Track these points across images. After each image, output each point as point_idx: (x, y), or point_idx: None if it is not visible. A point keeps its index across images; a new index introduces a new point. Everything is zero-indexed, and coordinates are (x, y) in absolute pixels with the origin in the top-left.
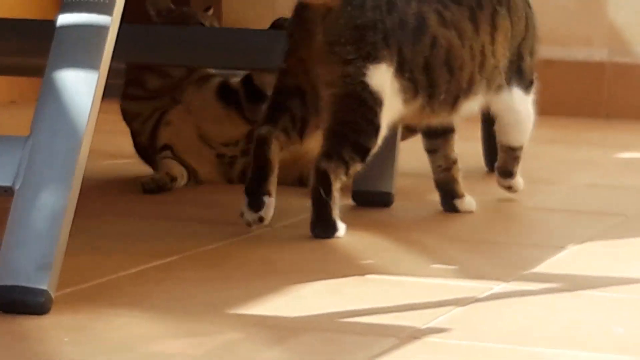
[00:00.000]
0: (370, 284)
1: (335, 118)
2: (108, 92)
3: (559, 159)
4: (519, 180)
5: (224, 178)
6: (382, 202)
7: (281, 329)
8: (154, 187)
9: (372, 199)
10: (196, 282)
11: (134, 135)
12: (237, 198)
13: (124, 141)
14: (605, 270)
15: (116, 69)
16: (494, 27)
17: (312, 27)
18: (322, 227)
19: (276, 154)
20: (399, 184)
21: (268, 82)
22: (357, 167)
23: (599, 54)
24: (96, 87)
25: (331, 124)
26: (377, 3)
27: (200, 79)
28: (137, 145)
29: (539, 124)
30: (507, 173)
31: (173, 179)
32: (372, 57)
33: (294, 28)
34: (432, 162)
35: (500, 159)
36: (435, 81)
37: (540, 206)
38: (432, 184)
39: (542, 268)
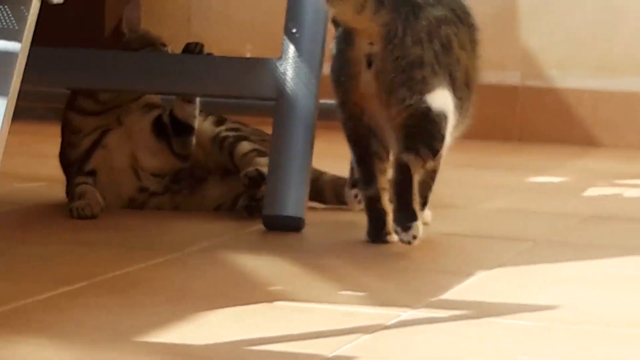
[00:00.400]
0: (278, 311)
1: (407, 129)
2: (20, 115)
3: (471, 183)
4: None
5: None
6: (293, 226)
7: (189, 357)
8: (88, 214)
9: (282, 224)
10: (105, 308)
11: (67, 145)
12: (154, 222)
13: (37, 164)
14: (512, 297)
15: (28, 92)
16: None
17: (357, 71)
18: (404, 215)
19: (387, 201)
20: (310, 209)
21: (189, 114)
22: (430, 164)
23: (511, 78)
24: (5, 112)
25: (405, 132)
26: (418, 35)
27: (145, 105)
28: (64, 155)
29: (452, 148)
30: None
31: (102, 207)
32: (426, 90)
33: (340, 74)
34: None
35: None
36: (462, 100)
37: (452, 231)
38: (343, 210)
39: (451, 295)
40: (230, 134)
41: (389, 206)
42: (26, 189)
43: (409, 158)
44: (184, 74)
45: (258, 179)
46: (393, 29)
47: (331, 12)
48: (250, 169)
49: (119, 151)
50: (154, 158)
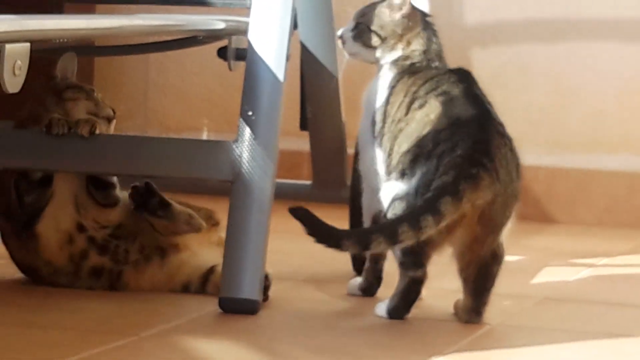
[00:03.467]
0: None
1: (482, 276)
2: None
3: None
4: None
5: (70, 267)
6: (249, 309)
7: None
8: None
9: (238, 306)
10: None
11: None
12: (110, 303)
13: None
14: None
15: None
16: None
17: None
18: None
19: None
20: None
21: None
22: None
23: None
24: None
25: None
26: (508, 169)
27: None
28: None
29: None
30: None
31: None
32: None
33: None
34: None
35: None
36: None
37: (410, 315)
38: (300, 290)
39: None
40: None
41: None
42: None
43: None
44: (141, 156)
45: (143, 193)
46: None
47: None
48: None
49: (64, 184)
50: (88, 206)
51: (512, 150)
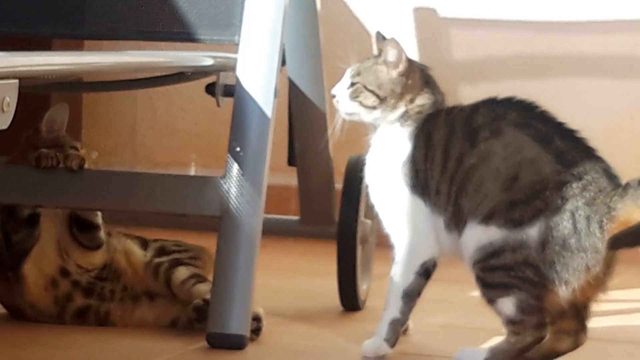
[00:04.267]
0: None
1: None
2: None
3: None
4: None
5: (55, 309)
6: (236, 344)
7: None
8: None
9: (226, 341)
10: None
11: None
12: (96, 339)
13: None
14: None
15: None
16: None
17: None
18: None
19: None
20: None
21: (91, 213)
22: None
23: None
24: None
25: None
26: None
27: None
28: None
29: (385, 258)
30: None
31: None
32: None
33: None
34: None
35: None
36: None
37: (394, 349)
38: (288, 325)
39: None
40: (164, 259)
41: None
42: None
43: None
44: (129, 191)
45: (205, 309)
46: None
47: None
48: (197, 300)
49: (47, 228)
50: (72, 250)
51: None
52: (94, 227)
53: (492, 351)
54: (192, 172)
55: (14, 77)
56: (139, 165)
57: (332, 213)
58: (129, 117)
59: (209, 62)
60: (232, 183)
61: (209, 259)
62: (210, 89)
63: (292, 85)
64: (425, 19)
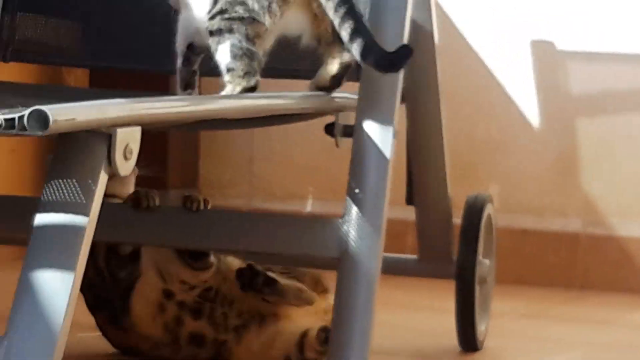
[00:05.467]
0: None
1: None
2: None
3: (529, 335)
4: None
5: (168, 337)
6: None
7: None
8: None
9: None
10: None
11: None
12: None
13: None
14: None
15: None
16: None
17: None
18: None
19: None
20: None
21: None
22: None
23: (573, 225)
24: (72, 288)
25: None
26: None
27: None
28: None
29: (511, 295)
30: None
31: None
32: None
33: None
34: None
35: None
36: None
37: None
38: None
39: None
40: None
41: None
42: (88, 339)
43: None
44: (246, 232)
45: (246, 273)
46: None
47: None
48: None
49: (144, 254)
50: (174, 268)
51: None
52: (205, 254)
53: None
54: (309, 206)
55: (136, 124)
56: (255, 198)
57: (450, 252)
58: (246, 150)
59: (328, 103)
60: (351, 225)
61: (311, 280)
62: (329, 129)
63: (410, 123)
64: (542, 52)
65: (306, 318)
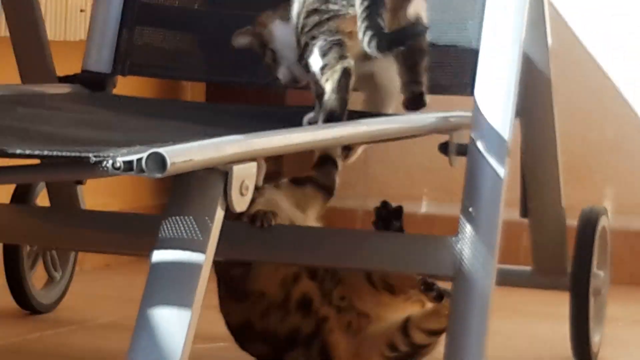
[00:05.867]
0: None
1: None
2: None
3: None
4: None
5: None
6: None
7: None
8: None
9: None
10: None
11: None
12: None
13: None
14: None
15: None
16: None
17: None
18: None
19: None
20: None
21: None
22: None
23: None
24: (189, 326)
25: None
26: None
27: None
28: None
29: (625, 298)
30: None
31: None
32: None
33: None
34: None
35: None
36: None
37: None
38: None
39: None
40: None
41: None
42: (205, 350)
43: None
44: (359, 249)
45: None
46: None
47: None
48: None
49: None
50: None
51: None
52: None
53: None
54: (423, 207)
55: (252, 159)
56: (370, 198)
57: (564, 264)
58: (361, 152)
59: (443, 123)
60: (465, 243)
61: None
62: (444, 148)
63: (524, 137)
64: None
65: (401, 312)
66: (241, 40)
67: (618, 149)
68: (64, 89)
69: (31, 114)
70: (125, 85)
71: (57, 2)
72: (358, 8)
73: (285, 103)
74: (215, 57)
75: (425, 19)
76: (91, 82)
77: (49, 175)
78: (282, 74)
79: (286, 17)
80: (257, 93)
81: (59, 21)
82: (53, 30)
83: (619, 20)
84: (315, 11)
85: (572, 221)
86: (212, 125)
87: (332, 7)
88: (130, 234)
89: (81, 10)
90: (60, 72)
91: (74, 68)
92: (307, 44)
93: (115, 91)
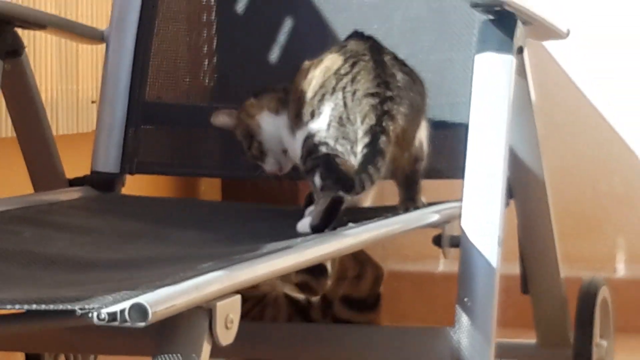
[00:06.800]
0: None
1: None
2: None
3: None
4: None
5: None
6: None
7: None
8: None
9: None
10: None
11: None
12: None
13: None
14: None
15: None
16: None
17: None
18: None
19: None
20: None
21: None
22: None
23: None
24: None
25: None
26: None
27: None
28: None
29: (637, 348)
30: None
31: None
32: None
33: None
34: None
35: None
36: None
37: None
38: None
39: None
40: None
41: None
42: None
43: None
44: (357, 344)
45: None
46: None
47: None
48: None
49: None
50: None
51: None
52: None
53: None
54: (441, 266)
55: (236, 292)
56: (389, 260)
57: (567, 336)
58: None
59: (434, 218)
60: (463, 333)
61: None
62: (437, 240)
63: (520, 217)
64: None
65: None
66: (222, 119)
67: (627, 200)
68: (73, 194)
69: (38, 235)
70: (138, 181)
71: (68, 94)
72: (354, 161)
73: (298, 201)
74: (222, 153)
75: (425, 145)
76: (100, 183)
77: (35, 324)
78: (269, 164)
79: (273, 109)
80: (271, 189)
81: (71, 114)
82: (65, 124)
83: (620, 70)
84: (324, 144)
85: (583, 272)
86: (216, 241)
87: (338, 147)
88: None
89: (92, 102)
90: (74, 163)
91: (88, 160)
92: (312, 170)
93: (128, 188)
